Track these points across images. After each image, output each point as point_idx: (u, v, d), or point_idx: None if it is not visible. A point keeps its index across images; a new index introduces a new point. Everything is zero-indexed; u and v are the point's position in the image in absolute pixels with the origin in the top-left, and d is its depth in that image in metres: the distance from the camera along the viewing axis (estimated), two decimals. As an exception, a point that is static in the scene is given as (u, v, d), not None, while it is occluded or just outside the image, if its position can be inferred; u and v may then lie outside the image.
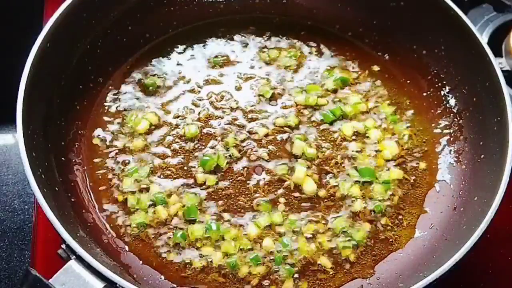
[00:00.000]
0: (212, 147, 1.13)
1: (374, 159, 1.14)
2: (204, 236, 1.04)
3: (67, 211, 1.02)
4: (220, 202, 1.08)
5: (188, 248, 1.04)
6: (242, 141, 1.15)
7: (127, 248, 1.04)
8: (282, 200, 1.09)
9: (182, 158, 1.12)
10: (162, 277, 1.02)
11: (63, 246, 0.89)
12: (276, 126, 1.17)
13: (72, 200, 1.06)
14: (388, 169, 1.13)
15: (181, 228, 1.05)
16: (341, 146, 1.15)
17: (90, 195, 1.08)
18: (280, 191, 1.10)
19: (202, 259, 1.03)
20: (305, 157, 1.13)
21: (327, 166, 1.13)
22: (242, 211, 1.07)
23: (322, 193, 1.09)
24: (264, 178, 1.11)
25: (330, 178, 1.11)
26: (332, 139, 1.16)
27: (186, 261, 1.03)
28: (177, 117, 1.17)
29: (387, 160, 1.14)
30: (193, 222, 1.05)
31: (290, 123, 1.17)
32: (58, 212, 0.91)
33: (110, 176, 1.10)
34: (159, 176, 1.10)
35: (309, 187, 1.09)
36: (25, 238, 1.26)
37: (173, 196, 1.08)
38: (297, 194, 1.09)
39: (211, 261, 1.02)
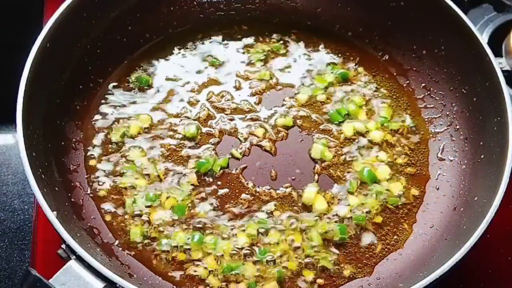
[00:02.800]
0: (210, 148, 1.14)
1: (374, 162, 1.14)
2: (186, 244, 1.04)
3: (67, 211, 1.02)
4: (215, 202, 1.08)
5: (186, 251, 1.04)
6: (242, 141, 1.15)
7: (126, 248, 1.04)
8: (276, 205, 1.08)
9: (180, 158, 1.12)
10: (161, 277, 1.02)
11: (63, 246, 0.89)
12: (277, 126, 1.17)
13: (72, 200, 1.06)
14: (390, 178, 1.13)
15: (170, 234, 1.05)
16: (343, 147, 1.15)
17: (90, 195, 1.08)
18: (278, 191, 1.10)
19: (197, 262, 1.03)
20: (322, 159, 1.13)
21: (330, 168, 1.13)
22: (236, 213, 1.07)
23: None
24: (262, 180, 1.11)
25: (331, 185, 1.11)
26: (333, 139, 1.16)
27: (184, 263, 1.03)
28: (177, 117, 1.17)
29: (387, 164, 1.14)
30: (199, 229, 1.06)
31: (290, 123, 1.17)
32: (58, 212, 0.91)
33: (109, 176, 1.10)
34: (156, 175, 1.10)
35: (321, 206, 1.08)
36: (25, 238, 1.26)
37: (167, 196, 1.08)
38: (291, 200, 1.10)
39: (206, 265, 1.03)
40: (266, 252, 1.03)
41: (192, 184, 1.09)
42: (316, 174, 1.12)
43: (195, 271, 1.02)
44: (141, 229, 1.05)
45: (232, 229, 1.05)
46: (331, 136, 1.17)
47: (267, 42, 1.28)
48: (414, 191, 1.12)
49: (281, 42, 1.28)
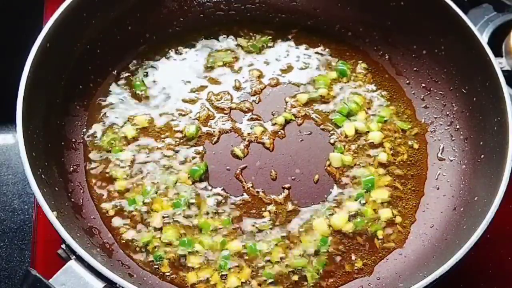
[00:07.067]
0: (205, 151, 1.14)
1: (373, 163, 1.14)
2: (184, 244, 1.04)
3: (67, 211, 1.02)
4: (214, 202, 1.08)
5: (185, 252, 1.04)
6: (242, 141, 1.15)
7: (127, 248, 1.04)
8: (272, 209, 1.09)
9: (180, 158, 1.12)
10: (161, 277, 1.02)
11: (63, 246, 0.89)
12: (276, 125, 1.17)
13: (72, 200, 1.06)
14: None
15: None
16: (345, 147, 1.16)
17: (90, 195, 1.08)
18: (279, 196, 1.10)
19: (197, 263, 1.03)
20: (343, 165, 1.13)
21: (331, 170, 1.13)
22: (234, 214, 1.08)
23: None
24: (262, 180, 1.11)
25: (331, 185, 1.11)
26: (336, 139, 1.16)
27: (183, 263, 1.03)
28: (177, 117, 1.17)
29: (384, 165, 1.14)
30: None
31: (290, 121, 1.17)
32: (58, 212, 0.91)
33: (110, 176, 1.10)
34: (155, 175, 1.10)
35: (341, 224, 1.08)
36: (25, 238, 1.26)
37: (165, 195, 1.08)
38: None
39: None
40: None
41: (191, 184, 1.09)
42: (317, 174, 1.12)
43: (194, 271, 1.02)
44: (141, 230, 1.05)
45: (229, 230, 1.06)
46: (331, 135, 1.17)
47: (267, 42, 1.28)
48: (399, 222, 1.10)
49: (281, 42, 1.28)
